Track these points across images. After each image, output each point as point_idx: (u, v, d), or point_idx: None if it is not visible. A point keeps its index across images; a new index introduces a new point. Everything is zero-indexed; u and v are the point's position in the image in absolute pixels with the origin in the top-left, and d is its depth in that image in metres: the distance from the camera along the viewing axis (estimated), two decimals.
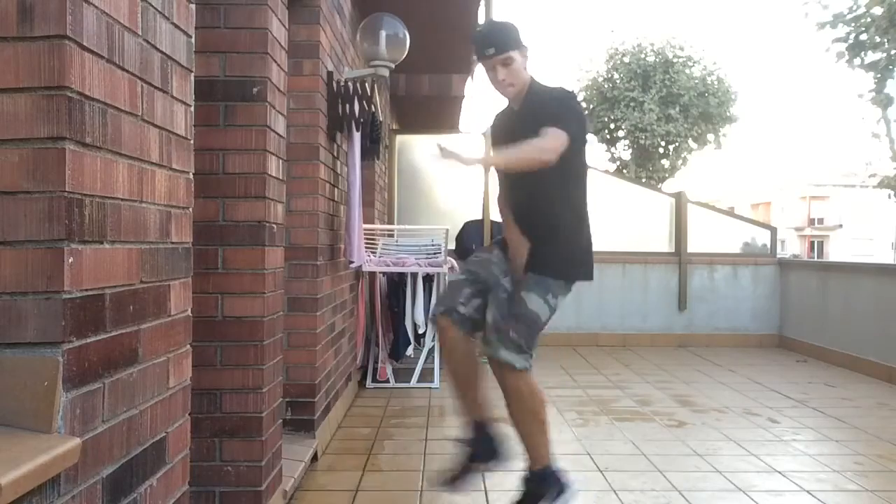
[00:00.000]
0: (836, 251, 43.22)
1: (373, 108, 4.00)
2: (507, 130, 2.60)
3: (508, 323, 2.44)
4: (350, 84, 3.70)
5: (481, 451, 2.63)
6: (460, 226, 6.82)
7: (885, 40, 14.20)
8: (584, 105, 21.32)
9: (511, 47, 2.49)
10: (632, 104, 21.33)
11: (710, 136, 22.08)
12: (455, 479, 2.61)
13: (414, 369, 5.05)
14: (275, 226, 2.47)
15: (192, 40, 1.52)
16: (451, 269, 5.30)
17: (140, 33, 1.27)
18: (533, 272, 2.50)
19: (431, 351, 5.16)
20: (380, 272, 5.07)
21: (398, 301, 5.10)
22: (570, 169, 2.50)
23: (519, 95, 2.57)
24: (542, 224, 2.54)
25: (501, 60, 2.48)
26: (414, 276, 5.06)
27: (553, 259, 2.53)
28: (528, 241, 2.54)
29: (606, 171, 8.52)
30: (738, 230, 7.74)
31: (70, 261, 1.05)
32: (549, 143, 2.37)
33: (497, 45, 2.48)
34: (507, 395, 2.49)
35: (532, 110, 2.52)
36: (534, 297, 2.47)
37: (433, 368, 5.06)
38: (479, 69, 2.62)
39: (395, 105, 7.56)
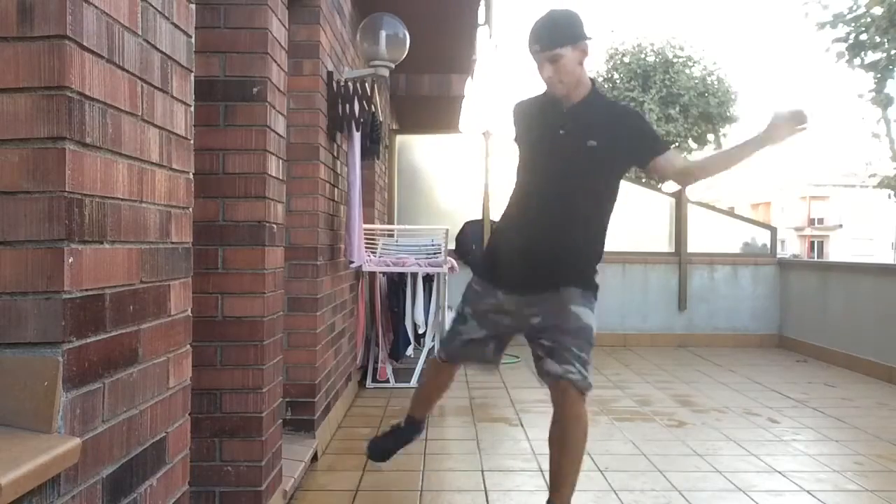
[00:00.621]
0: (836, 251, 43.23)
1: (373, 108, 4.00)
2: (551, 126, 2.44)
3: (567, 343, 2.34)
4: (350, 84, 3.70)
5: (412, 438, 2.82)
6: (460, 226, 6.82)
7: (885, 40, 14.19)
8: None
9: (560, 44, 2.34)
10: (632, 104, 21.34)
11: (710, 136, 22.08)
12: (388, 455, 2.81)
13: (414, 369, 5.05)
14: (275, 226, 2.47)
15: (192, 40, 1.52)
16: (452, 269, 5.30)
17: (140, 33, 1.27)
18: (576, 287, 2.45)
19: (431, 351, 5.16)
20: (380, 272, 5.07)
21: (398, 301, 5.10)
22: (618, 186, 2.51)
23: (571, 95, 2.42)
24: (590, 239, 2.52)
25: (549, 57, 2.34)
26: (414, 276, 5.06)
27: (592, 273, 2.55)
28: (568, 255, 2.46)
29: None
30: (738, 230, 7.74)
31: (70, 261, 1.05)
32: (682, 162, 2.50)
33: (544, 41, 2.35)
34: (567, 421, 2.33)
35: (592, 123, 2.40)
36: (586, 311, 2.43)
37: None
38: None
39: (395, 105, 7.56)
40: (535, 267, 2.42)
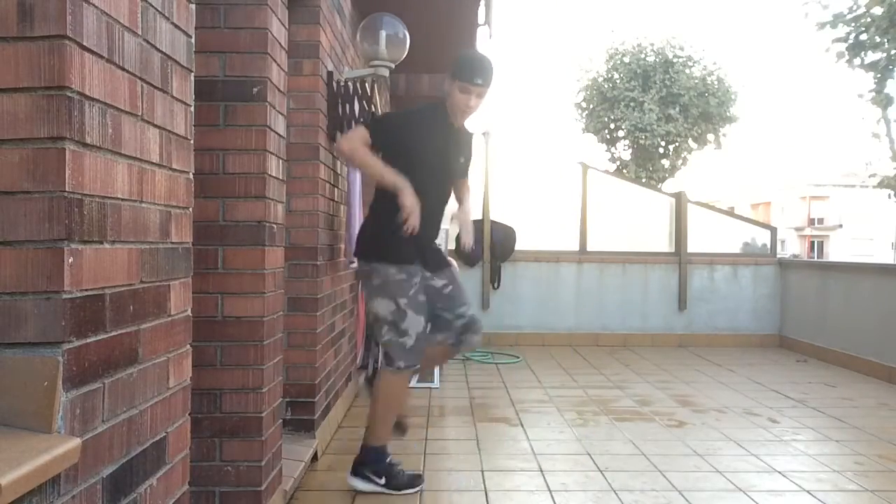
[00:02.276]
0: (836, 251, 43.24)
1: (373, 108, 4.00)
2: (446, 141, 2.99)
3: (470, 313, 3.02)
4: (350, 84, 3.70)
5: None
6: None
7: (885, 40, 14.19)
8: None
9: (491, 83, 2.93)
10: (632, 104, 21.34)
11: (710, 136, 22.08)
12: None
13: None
14: (275, 226, 2.47)
15: (192, 40, 1.52)
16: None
17: (140, 33, 1.27)
18: (449, 265, 3.09)
19: None
20: None
21: None
22: None
23: (462, 120, 3.02)
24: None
25: (484, 92, 2.92)
26: None
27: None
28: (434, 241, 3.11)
29: (606, 171, 8.51)
30: (738, 230, 7.74)
31: (70, 261, 1.05)
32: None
33: (489, 79, 2.91)
34: (447, 358, 3.27)
35: (464, 143, 3.11)
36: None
37: (433, 368, 5.06)
38: (456, 88, 2.90)
39: (395, 105, 7.56)
40: (431, 247, 3.04)
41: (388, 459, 2.91)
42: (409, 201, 2.74)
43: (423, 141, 2.91)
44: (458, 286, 3.04)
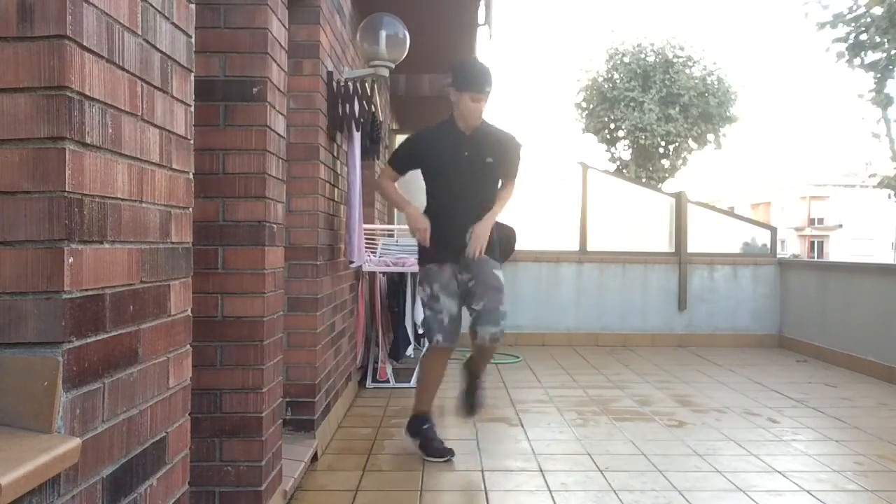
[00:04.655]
0: (836, 251, 43.23)
1: (373, 108, 4.00)
2: (456, 148, 3.31)
3: (498, 301, 3.26)
4: (350, 84, 3.70)
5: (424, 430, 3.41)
6: None
7: (885, 40, 14.19)
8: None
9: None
10: (632, 104, 21.34)
11: (710, 136, 22.08)
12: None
13: (414, 369, 5.05)
14: (275, 226, 2.47)
15: (192, 40, 1.52)
16: None
17: (140, 33, 1.27)
18: (490, 255, 3.32)
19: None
20: (380, 272, 5.07)
21: (398, 301, 5.10)
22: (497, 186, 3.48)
23: (473, 125, 3.32)
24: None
25: (487, 97, 3.26)
26: (414, 276, 5.06)
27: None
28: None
29: (606, 171, 8.51)
30: (738, 230, 7.74)
31: (70, 261, 1.05)
32: (511, 195, 3.48)
33: (491, 85, 3.27)
34: (485, 356, 3.49)
35: (486, 143, 3.33)
36: (500, 272, 3.35)
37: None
38: (467, 98, 3.25)
39: (395, 105, 7.56)
40: (459, 245, 3.31)
41: (425, 426, 3.36)
42: (412, 224, 3.36)
43: (435, 155, 3.35)
44: (482, 282, 3.26)
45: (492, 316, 3.24)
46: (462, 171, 3.32)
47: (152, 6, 1.32)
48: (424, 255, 3.40)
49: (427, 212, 3.40)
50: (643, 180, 19.98)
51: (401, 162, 3.46)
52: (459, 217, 3.31)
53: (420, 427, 3.37)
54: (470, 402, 3.59)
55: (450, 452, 3.28)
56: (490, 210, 3.36)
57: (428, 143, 3.39)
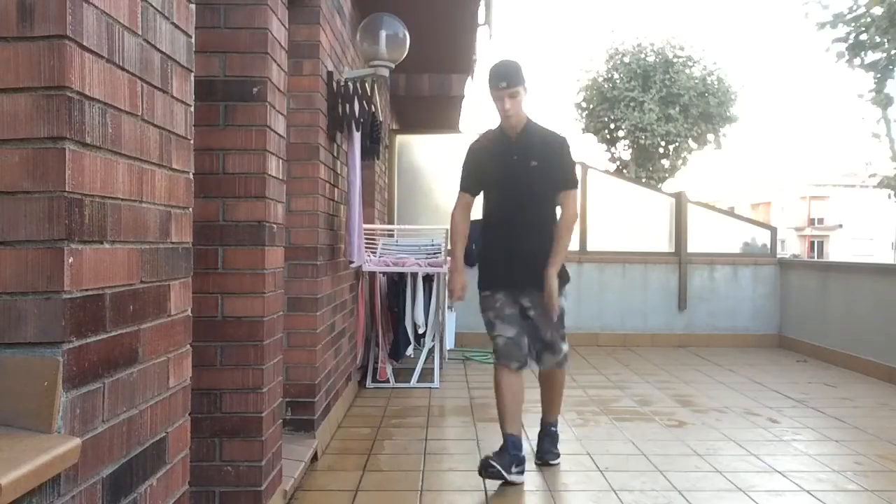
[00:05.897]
0: (836, 251, 43.21)
1: (373, 108, 4.00)
2: (505, 154, 3.15)
3: (558, 335, 3.16)
4: (350, 84, 3.70)
5: (517, 455, 3.06)
6: None
7: (885, 40, 14.18)
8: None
9: (519, 83, 3.05)
10: (632, 104, 21.31)
11: (710, 136, 22.06)
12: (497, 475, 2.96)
13: (414, 369, 5.06)
14: (275, 226, 2.47)
15: (192, 40, 1.52)
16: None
17: (140, 33, 1.27)
18: (541, 289, 3.08)
19: (431, 351, 5.17)
20: (380, 272, 5.07)
21: (398, 301, 5.10)
22: (556, 195, 3.20)
23: (516, 126, 3.13)
24: (544, 240, 3.17)
25: (510, 93, 3.03)
26: (414, 276, 5.06)
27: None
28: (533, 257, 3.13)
29: (606, 171, 8.51)
30: (738, 230, 7.74)
31: (70, 261, 1.05)
32: (574, 209, 3.16)
33: (510, 79, 3.04)
34: (554, 383, 3.35)
35: (530, 146, 3.13)
36: (562, 298, 3.15)
37: (433, 368, 5.06)
38: (492, 97, 3.10)
39: (395, 105, 7.56)
40: (518, 267, 3.15)
41: (504, 442, 3.07)
42: (449, 282, 3.32)
43: (485, 165, 3.22)
44: (543, 314, 3.11)
45: (555, 346, 3.16)
46: (511, 180, 3.14)
47: (152, 6, 1.32)
48: (480, 281, 3.26)
49: (482, 229, 3.30)
50: (643, 180, 19.97)
51: (468, 180, 3.27)
52: (510, 243, 3.15)
53: (505, 442, 3.09)
54: (538, 448, 3.35)
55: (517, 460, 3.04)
56: (552, 249, 3.09)
57: (479, 152, 3.25)
